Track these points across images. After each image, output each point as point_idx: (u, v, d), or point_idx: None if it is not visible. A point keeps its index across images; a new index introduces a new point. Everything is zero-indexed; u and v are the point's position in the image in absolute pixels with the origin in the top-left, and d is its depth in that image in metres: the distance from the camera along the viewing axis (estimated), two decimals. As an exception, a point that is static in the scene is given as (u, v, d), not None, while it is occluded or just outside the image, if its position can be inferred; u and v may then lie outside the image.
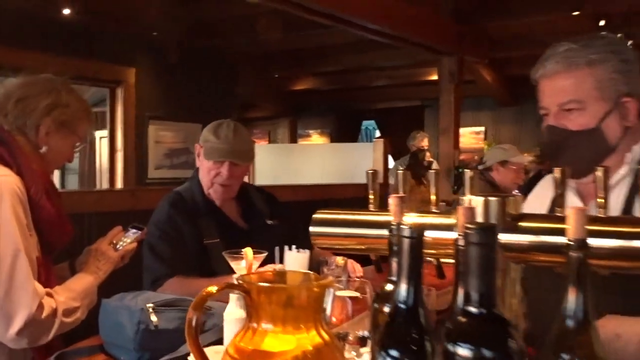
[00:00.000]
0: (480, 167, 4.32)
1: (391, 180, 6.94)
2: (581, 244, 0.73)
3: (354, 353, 1.21)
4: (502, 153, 4.30)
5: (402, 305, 0.76)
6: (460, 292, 0.72)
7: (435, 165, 6.20)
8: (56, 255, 1.84)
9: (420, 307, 0.75)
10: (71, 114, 1.79)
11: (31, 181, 1.65)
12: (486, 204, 0.93)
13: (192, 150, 7.32)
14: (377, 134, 9.40)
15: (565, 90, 1.41)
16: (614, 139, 1.39)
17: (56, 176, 9.94)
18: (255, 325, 0.84)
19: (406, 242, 0.76)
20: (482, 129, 7.88)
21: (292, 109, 9.28)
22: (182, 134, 7.22)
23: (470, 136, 7.96)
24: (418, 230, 0.78)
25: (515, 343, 0.70)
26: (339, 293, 1.57)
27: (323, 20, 4.61)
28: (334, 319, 1.48)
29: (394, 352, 0.74)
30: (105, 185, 7.10)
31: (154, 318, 1.40)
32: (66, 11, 5.67)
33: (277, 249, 1.59)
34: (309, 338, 0.84)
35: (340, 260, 2.00)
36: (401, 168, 7.19)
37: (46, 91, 1.77)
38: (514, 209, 0.94)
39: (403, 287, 0.78)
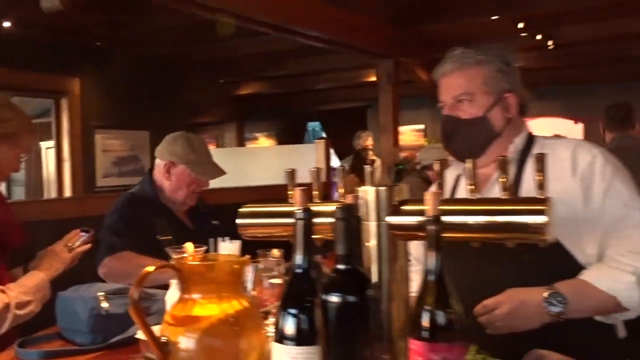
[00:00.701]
0: (418, 167, 4.55)
1: (336, 179, 7.09)
2: (436, 220, 0.96)
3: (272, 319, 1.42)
4: (439, 152, 4.55)
5: (298, 270, 0.98)
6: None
7: (377, 164, 6.46)
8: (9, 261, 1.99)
9: (311, 271, 0.96)
10: (12, 128, 1.94)
11: None
12: (377, 193, 1.15)
13: (140, 157, 7.42)
14: (323, 135, 9.68)
15: (459, 85, 1.68)
16: (498, 127, 1.67)
17: (2, 187, 9.85)
18: (187, 296, 1.04)
19: (299, 222, 0.97)
20: (422, 126, 8.22)
21: (238, 113, 9.45)
22: (129, 142, 7.31)
23: (411, 134, 8.29)
24: (307, 213, 1.00)
25: (371, 291, 0.92)
26: (272, 280, 1.81)
27: (265, 30, 4.82)
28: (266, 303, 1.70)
29: (292, 310, 0.95)
30: (53, 195, 7.12)
31: (104, 304, 1.58)
32: (6, 24, 5.71)
33: (211, 240, 1.78)
34: (230, 305, 1.04)
35: (276, 251, 2.20)
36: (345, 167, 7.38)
37: None
38: (399, 196, 1.16)
39: (298, 256, 1.00)
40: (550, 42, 5.81)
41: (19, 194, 9.22)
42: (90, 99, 6.88)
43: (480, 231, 1.07)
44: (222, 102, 9.05)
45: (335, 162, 9.26)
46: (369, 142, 7.10)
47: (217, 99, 8.93)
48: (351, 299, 0.90)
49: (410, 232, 1.11)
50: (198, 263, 1.07)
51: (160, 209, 2.56)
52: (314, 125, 9.98)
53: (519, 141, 1.68)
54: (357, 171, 6.70)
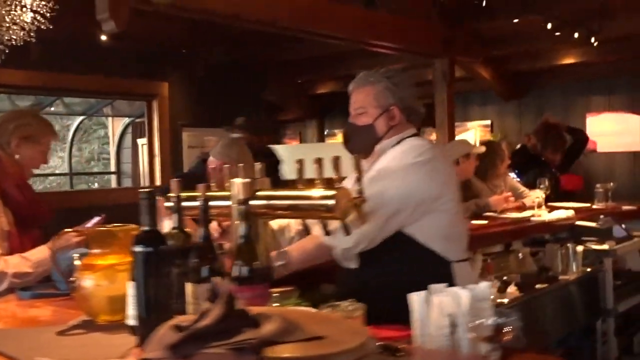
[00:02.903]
0: None
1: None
2: (245, 201, 1.46)
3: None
4: (465, 146, 4.86)
5: (200, 240, 1.49)
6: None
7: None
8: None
9: (209, 242, 1.47)
10: (32, 131, 2.59)
11: (3, 180, 2.47)
12: (241, 184, 1.66)
13: (222, 152, 8.19)
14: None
15: (357, 101, 2.19)
16: (380, 133, 2.15)
17: (113, 179, 11.19)
18: (94, 252, 1.60)
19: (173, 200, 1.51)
20: (489, 122, 8.40)
21: (317, 111, 10.05)
22: (212, 139, 8.11)
23: (478, 129, 8.49)
24: (205, 199, 1.52)
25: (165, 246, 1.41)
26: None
27: (334, 41, 5.66)
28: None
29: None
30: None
31: (77, 262, 2.11)
32: (103, 37, 6.60)
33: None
34: (125, 258, 1.57)
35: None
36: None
37: (14, 118, 2.62)
38: (260, 186, 1.67)
39: (200, 230, 1.52)
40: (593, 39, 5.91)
41: (127, 184, 10.56)
42: (177, 101, 7.72)
43: (287, 209, 1.57)
44: (301, 101, 9.68)
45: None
46: (432, 137, 7.43)
47: (296, 98, 9.57)
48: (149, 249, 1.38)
49: (261, 211, 1.62)
50: (95, 229, 1.65)
51: None
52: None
53: (386, 142, 2.16)
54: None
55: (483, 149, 4.90)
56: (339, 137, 10.39)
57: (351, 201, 1.55)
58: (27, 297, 2.18)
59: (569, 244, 4.09)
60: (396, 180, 1.98)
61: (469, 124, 8.59)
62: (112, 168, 11.21)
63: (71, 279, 1.65)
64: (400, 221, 1.97)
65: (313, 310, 1.21)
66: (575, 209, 4.58)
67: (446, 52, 6.43)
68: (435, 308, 1.27)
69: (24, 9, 4.66)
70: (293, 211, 1.59)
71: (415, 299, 1.31)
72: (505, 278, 3.46)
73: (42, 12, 4.65)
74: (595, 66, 7.30)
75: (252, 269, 1.41)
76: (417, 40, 6.14)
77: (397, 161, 2.04)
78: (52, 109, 9.80)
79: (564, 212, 4.41)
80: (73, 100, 10.02)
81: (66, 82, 6.77)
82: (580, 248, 4.13)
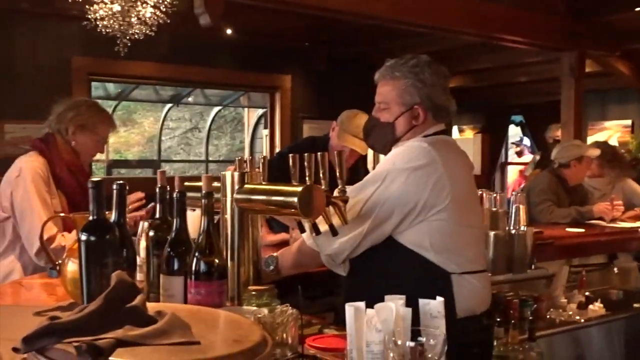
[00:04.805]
0: (555, 165, 4.50)
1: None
2: (207, 195, 1.45)
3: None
4: (577, 149, 4.48)
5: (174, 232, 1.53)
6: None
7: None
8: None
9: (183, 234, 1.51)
10: (87, 119, 2.76)
11: (58, 164, 2.67)
12: (232, 176, 1.66)
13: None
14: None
15: (380, 94, 2.06)
16: (400, 133, 2.01)
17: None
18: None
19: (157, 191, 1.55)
20: (630, 122, 7.68)
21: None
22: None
23: (616, 129, 7.80)
24: (181, 190, 1.55)
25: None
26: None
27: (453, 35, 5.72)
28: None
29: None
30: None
31: None
32: (229, 31, 6.90)
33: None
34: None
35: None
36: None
37: (72, 107, 2.78)
38: (250, 180, 1.65)
39: (176, 221, 1.55)
40: None
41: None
42: (299, 93, 7.89)
43: (263, 204, 1.53)
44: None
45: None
46: (558, 134, 6.99)
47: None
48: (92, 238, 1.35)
49: (249, 204, 1.60)
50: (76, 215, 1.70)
51: None
52: (517, 119, 9.87)
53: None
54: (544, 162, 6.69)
55: (598, 152, 4.50)
56: (467, 133, 10.04)
57: (325, 200, 1.49)
58: (54, 276, 2.34)
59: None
60: (383, 186, 1.85)
61: (607, 124, 7.92)
62: (246, 157, 11.65)
63: (57, 262, 1.73)
64: (386, 229, 1.84)
65: (222, 312, 1.17)
66: None
67: (574, 45, 5.98)
68: (366, 322, 1.18)
69: (144, 5, 5.00)
70: (267, 206, 1.56)
71: (348, 309, 1.23)
72: (587, 294, 3.15)
73: (161, 8, 5.00)
74: None
75: (209, 265, 1.41)
76: (542, 33, 5.79)
77: (388, 165, 1.90)
78: (190, 99, 10.41)
79: (686, 225, 3.93)
80: (211, 91, 10.58)
81: (194, 75, 7.16)
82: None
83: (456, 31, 5.64)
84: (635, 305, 3.35)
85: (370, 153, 7.17)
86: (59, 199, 2.68)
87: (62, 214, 2.50)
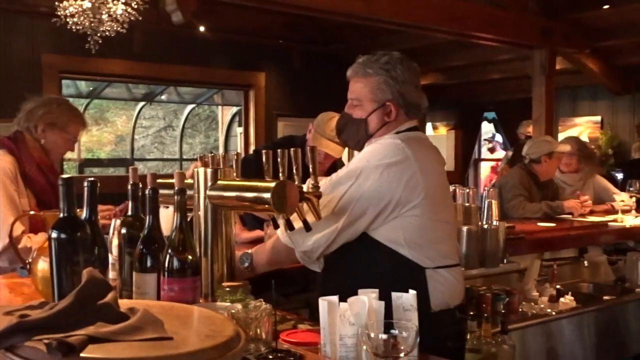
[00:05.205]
0: (526, 161, 4.55)
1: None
2: (180, 191, 1.45)
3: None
4: (547, 145, 4.53)
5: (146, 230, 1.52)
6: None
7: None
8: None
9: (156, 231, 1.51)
10: (57, 118, 2.73)
11: (27, 162, 2.63)
12: (205, 173, 1.65)
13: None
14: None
15: (353, 91, 2.06)
16: (372, 129, 2.03)
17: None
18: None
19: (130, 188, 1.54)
20: (599, 118, 7.81)
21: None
22: (307, 129, 8.17)
23: (586, 125, 7.93)
24: (154, 187, 1.54)
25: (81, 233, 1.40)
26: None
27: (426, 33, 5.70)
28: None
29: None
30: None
31: None
32: (202, 29, 6.85)
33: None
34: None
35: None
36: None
37: (42, 105, 2.75)
38: (222, 176, 1.65)
39: (149, 219, 1.54)
40: None
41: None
42: (273, 91, 7.87)
43: (237, 200, 1.54)
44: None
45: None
46: (530, 130, 7.08)
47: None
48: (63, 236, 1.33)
49: (221, 201, 1.60)
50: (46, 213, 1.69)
51: None
52: (489, 115, 9.98)
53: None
54: (516, 159, 6.78)
55: (568, 147, 4.56)
56: (440, 130, 10.12)
57: (298, 196, 1.49)
58: (25, 276, 2.31)
59: (653, 253, 3.73)
60: (357, 183, 1.85)
61: (577, 120, 8.05)
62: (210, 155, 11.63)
63: (27, 261, 1.71)
64: (360, 226, 1.84)
65: (195, 308, 1.17)
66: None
67: (545, 42, 6.06)
68: (339, 315, 1.19)
69: (115, 2, 4.93)
70: (240, 202, 1.56)
71: (322, 303, 1.23)
72: (559, 287, 3.21)
73: (133, 5, 4.93)
74: None
75: (182, 261, 1.40)
76: (514, 30, 5.87)
77: (362, 162, 1.90)
78: (163, 97, 10.33)
79: (651, 218, 4.02)
80: (185, 89, 10.50)
81: (167, 73, 7.10)
82: (666, 259, 3.75)
83: (430, 29, 5.67)
84: (605, 297, 3.42)
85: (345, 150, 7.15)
86: (27, 198, 2.64)
87: (31, 212, 2.46)
